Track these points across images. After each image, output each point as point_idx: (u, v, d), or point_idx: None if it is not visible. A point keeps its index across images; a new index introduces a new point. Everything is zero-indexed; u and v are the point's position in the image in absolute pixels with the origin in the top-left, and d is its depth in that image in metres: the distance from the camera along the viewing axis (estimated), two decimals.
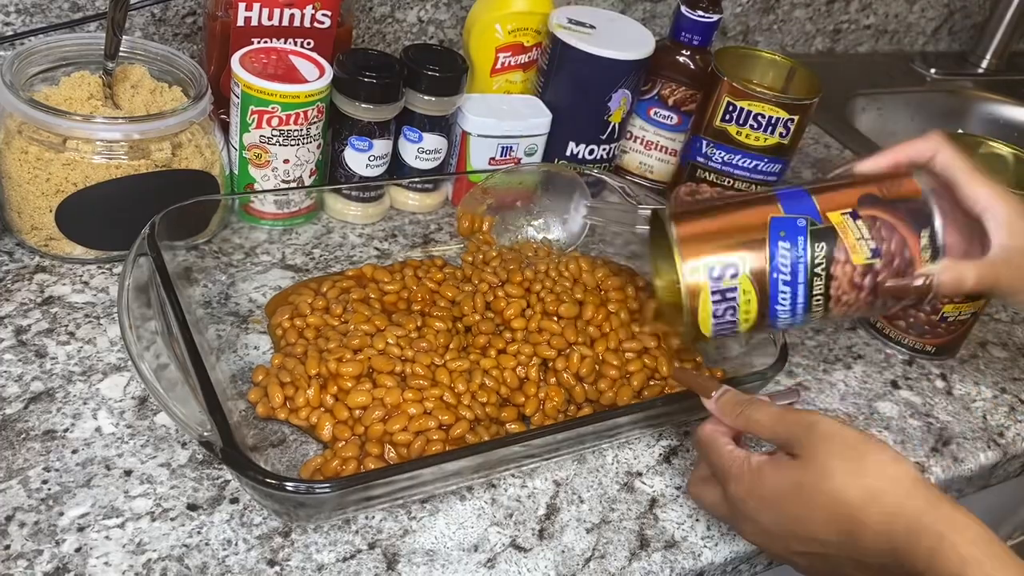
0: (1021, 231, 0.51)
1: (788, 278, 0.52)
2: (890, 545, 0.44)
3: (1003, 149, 0.75)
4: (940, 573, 0.42)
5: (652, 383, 0.62)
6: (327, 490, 0.45)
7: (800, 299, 0.52)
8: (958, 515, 0.43)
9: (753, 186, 0.78)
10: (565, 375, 0.60)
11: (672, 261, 0.53)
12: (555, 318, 0.63)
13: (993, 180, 0.53)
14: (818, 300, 0.52)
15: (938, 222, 0.51)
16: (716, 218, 0.54)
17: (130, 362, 0.57)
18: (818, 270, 0.51)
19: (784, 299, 0.52)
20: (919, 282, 0.52)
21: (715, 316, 0.53)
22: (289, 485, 0.45)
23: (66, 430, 0.52)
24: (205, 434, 0.46)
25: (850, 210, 0.52)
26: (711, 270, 0.52)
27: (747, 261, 0.52)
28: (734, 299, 0.52)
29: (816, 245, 0.51)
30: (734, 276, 0.51)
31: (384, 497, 0.50)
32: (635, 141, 0.86)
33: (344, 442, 0.53)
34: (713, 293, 0.52)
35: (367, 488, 0.48)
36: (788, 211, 0.52)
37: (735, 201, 0.55)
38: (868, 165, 0.55)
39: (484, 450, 0.51)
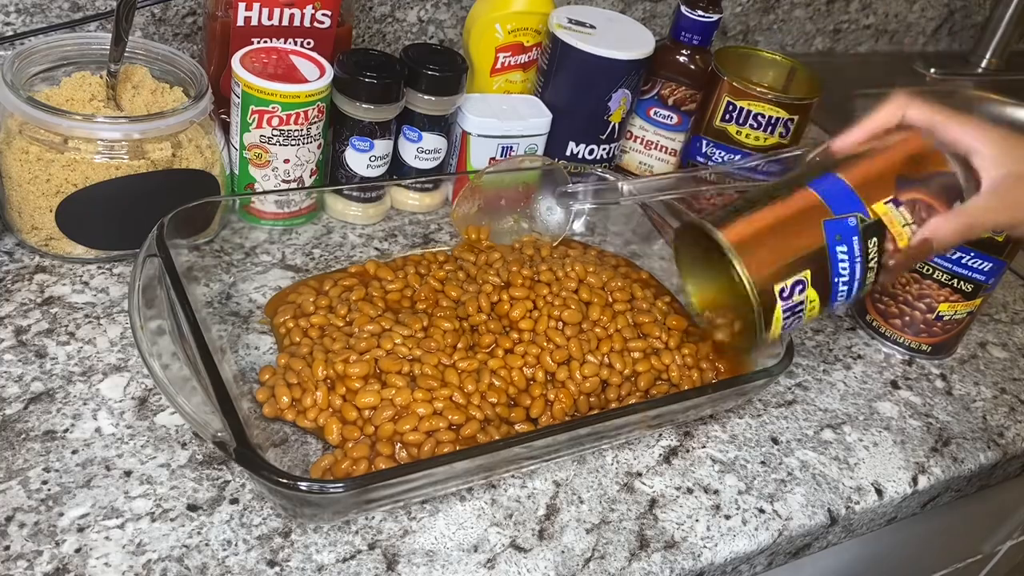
0: (1006, 161, 0.54)
1: (847, 278, 0.54)
2: None
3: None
4: None
5: (659, 383, 0.62)
6: (340, 489, 0.46)
7: (855, 289, 0.55)
8: None
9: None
10: (571, 387, 0.60)
11: (716, 271, 0.54)
12: (560, 323, 0.63)
13: (968, 117, 0.55)
14: (869, 284, 0.55)
15: (966, 195, 0.55)
16: (766, 229, 0.54)
17: (131, 362, 0.57)
18: (871, 263, 0.54)
19: (842, 293, 0.55)
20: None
21: (784, 325, 0.55)
22: (303, 485, 0.45)
23: (66, 430, 0.52)
24: (219, 434, 0.46)
25: (892, 198, 0.54)
26: (782, 291, 0.53)
27: (811, 274, 0.53)
28: (802, 309, 0.54)
29: (869, 242, 0.53)
30: (802, 291, 0.53)
31: (395, 496, 0.50)
32: (635, 141, 0.86)
33: (353, 442, 0.53)
34: (784, 311, 0.54)
35: (381, 488, 0.48)
36: (836, 210, 0.53)
37: (774, 202, 0.55)
38: (843, 144, 0.57)
39: (497, 448, 0.51)
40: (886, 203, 0.53)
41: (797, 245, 0.53)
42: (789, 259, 0.53)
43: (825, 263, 0.53)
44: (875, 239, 0.53)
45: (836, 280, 0.54)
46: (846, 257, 0.53)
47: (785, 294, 0.53)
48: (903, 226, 0.54)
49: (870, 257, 0.54)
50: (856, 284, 0.54)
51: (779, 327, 0.54)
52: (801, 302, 0.54)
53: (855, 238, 0.53)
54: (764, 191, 0.55)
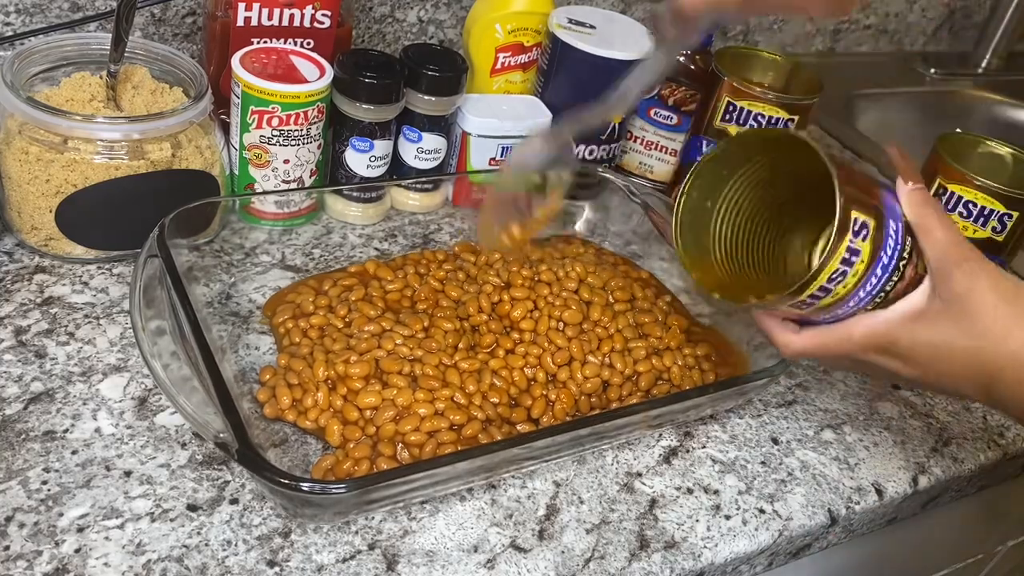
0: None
1: (887, 261, 0.49)
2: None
3: (1002, 149, 0.75)
4: None
5: (660, 382, 0.62)
6: (343, 490, 0.46)
7: (876, 289, 0.50)
8: None
9: None
10: (572, 387, 0.60)
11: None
12: (561, 323, 0.63)
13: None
14: (880, 298, 0.50)
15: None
16: (849, 170, 0.49)
17: (130, 363, 0.57)
18: (901, 264, 0.50)
19: (871, 284, 0.49)
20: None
21: (829, 278, 0.48)
22: (305, 485, 0.45)
23: (66, 431, 0.52)
24: (221, 435, 0.46)
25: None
26: (855, 222, 0.47)
27: (873, 227, 0.48)
28: (851, 266, 0.48)
29: (907, 237, 0.50)
30: (864, 238, 0.48)
31: (397, 497, 0.50)
32: (635, 141, 0.86)
33: (355, 443, 0.53)
34: (847, 250, 0.47)
35: (383, 488, 0.48)
36: (887, 198, 0.50)
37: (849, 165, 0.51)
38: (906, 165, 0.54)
39: (499, 448, 0.51)
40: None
41: (867, 189, 0.49)
42: (864, 194, 0.48)
43: (882, 227, 0.48)
44: (910, 239, 0.50)
45: (880, 255, 0.49)
46: (894, 236, 0.49)
47: (856, 227, 0.47)
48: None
49: (904, 253, 0.49)
50: (884, 278, 0.49)
51: (834, 266, 0.47)
52: (858, 252, 0.48)
53: (900, 223, 0.50)
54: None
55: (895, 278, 0.50)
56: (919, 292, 0.50)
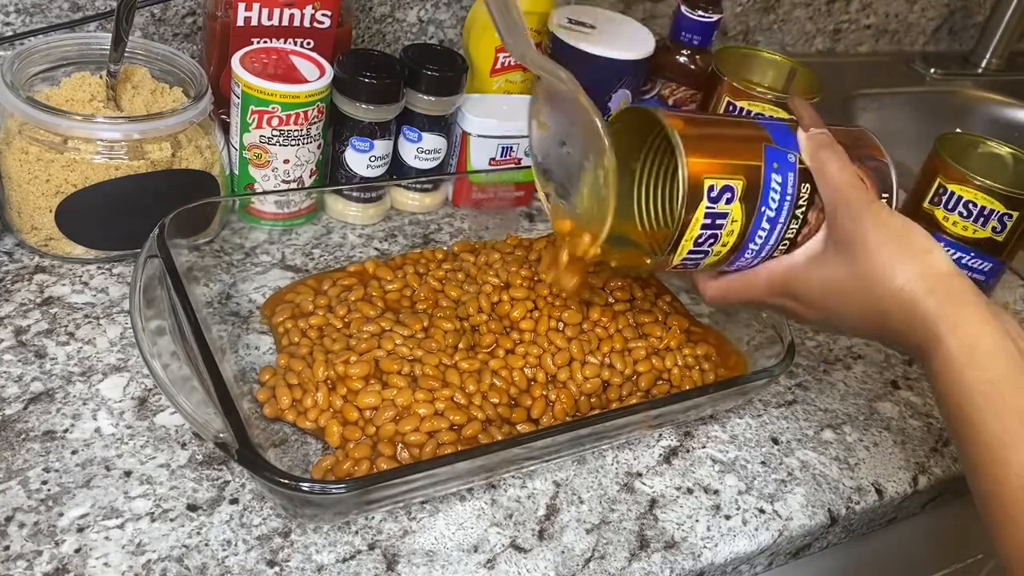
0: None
1: (773, 214, 0.51)
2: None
3: (1002, 149, 0.75)
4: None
5: (660, 383, 0.62)
6: (343, 490, 0.46)
7: (772, 240, 0.52)
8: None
9: None
10: (572, 388, 0.60)
11: (643, 179, 0.53)
12: (560, 324, 0.63)
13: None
14: (784, 245, 0.52)
15: (895, 188, 0.53)
16: (710, 128, 0.51)
17: (130, 362, 0.57)
18: (798, 212, 0.51)
19: (761, 237, 0.51)
20: None
21: (695, 243, 0.50)
22: (305, 485, 0.45)
23: (66, 431, 0.52)
24: (221, 435, 0.46)
25: None
26: (711, 188, 0.49)
27: (743, 187, 0.49)
28: (720, 227, 0.50)
29: (803, 185, 0.51)
30: (729, 201, 0.49)
31: (397, 497, 0.50)
32: None
33: (355, 443, 0.53)
34: (706, 215, 0.49)
35: (383, 488, 0.48)
36: (777, 142, 0.51)
37: (725, 120, 0.54)
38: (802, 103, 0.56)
39: (499, 449, 0.51)
40: None
41: (736, 151, 0.50)
42: (726, 159, 0.49)
43: (758, 185, 0.50)
44: (807, 186, 0.51)
45: (763, 209, 0.50)
46: (779, 189, 0.50)
47: (713, 194, 0.48)
48: None
49: (800, 201, 0.51)
50: (778, 228, 0.51)
51: (692, 236, 0.49)
52: (724, 215, 0.49)
53: (791, 174, 0.51)
54: (713, 115, 0.54)
55: (795, 225, 0.51)
56: (818, 236, 0.52)
